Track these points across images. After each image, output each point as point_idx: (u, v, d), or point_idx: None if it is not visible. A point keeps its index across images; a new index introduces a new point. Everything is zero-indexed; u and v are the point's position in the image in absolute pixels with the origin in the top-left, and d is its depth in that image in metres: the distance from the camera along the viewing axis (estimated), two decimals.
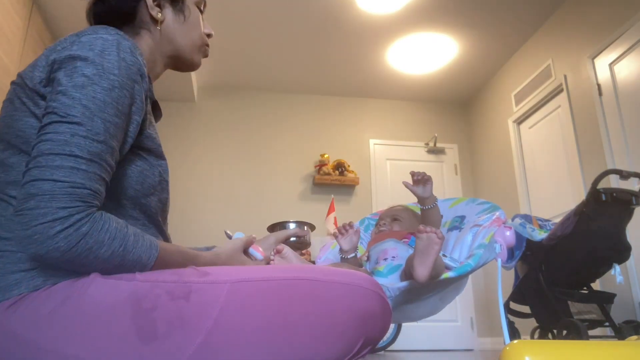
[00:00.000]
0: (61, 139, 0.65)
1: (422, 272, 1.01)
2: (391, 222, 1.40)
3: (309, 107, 5.04)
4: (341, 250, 1.28)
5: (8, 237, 0.69)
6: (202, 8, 0.99)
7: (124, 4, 0.88)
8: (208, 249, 1.06)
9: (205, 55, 1.00)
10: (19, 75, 0.76)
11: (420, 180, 1.34)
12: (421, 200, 1.33)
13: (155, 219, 0.84)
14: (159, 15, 0.89)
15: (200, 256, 0.81)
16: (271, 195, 4.61)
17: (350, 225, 1.31)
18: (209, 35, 1.00)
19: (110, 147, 0.69)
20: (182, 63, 0.97)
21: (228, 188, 4.57)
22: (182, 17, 0.93)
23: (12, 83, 0.77)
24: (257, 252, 0.96)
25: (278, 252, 1.05)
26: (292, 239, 1.14)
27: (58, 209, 0.62)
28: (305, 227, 1.18)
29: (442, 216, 1.47)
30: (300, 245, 1.17)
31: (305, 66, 4.57)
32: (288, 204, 4.59)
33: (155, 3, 0.89)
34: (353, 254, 1.28)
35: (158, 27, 0.90)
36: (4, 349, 0.64)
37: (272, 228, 1.18)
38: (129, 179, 0.77)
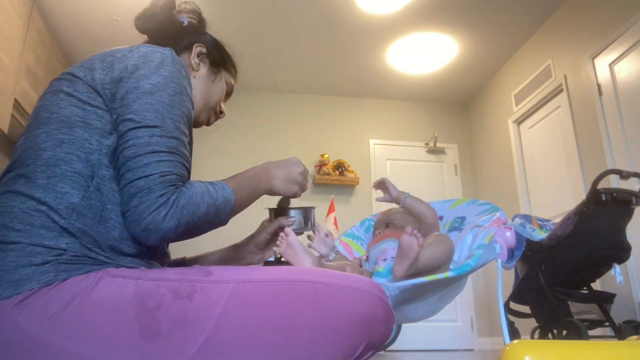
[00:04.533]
0: (142, 142, 0.74)
1: (398, 270, 1.09)
2: (384, 229, 1.41)
3: (309, 107, 5.04)
4: (320, 255, 1.28)
5: (21, 229, 0.69)
6: (228, 90, 1.11)
7: (177, 43, 0.99)
8: (177, 261, 1.06)
9: (209, 123, 1.09)
10: (68, 72, 0.82)
11: (379, 186, 1.39)
12: (394, 201, 1.35)
13: None
14: (197, 65, 1.01)
15: (246, 171, 0.93)
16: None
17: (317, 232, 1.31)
18: (221, 112, 1.11)
19: (182, 142, 0.79)
20: None
21: None
22: (212, 77, 1.04)
23: (59, 79, 0.82)
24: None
25: (286, 235, 1.04)
26: (294, 227, 1.09)
27: (158, 197, 0.71)
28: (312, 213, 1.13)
29: (442, 217, 1.48)
30: (300, 234, 1.14)
31: (305, 66, 4.57)
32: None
33: (198, 57, 1.02)
34: (333, 255, 1.29)
35: (193, 74, 1.01)
36: (12, 345, 0.64)
37: (272, 211, 1.14)
38: None
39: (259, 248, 1.11)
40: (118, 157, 0.75)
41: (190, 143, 0.89)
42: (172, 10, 1.03)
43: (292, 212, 1.10)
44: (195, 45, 1.01)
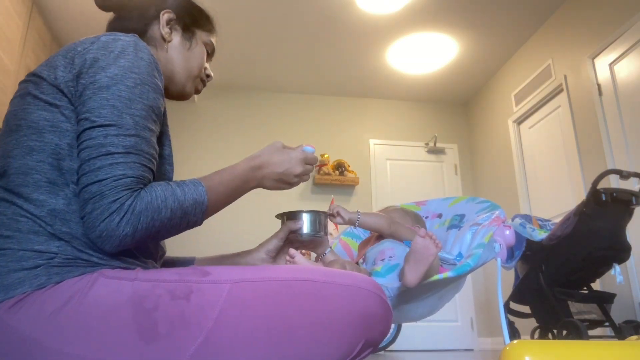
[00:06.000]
0: (96, 143, 0.70)
1: (411, 279, 0.99)
2: None
3: (309, 107, 5.04)
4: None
5: (9, 235, 0.68)
6: (209, 51, 1.03)
7: (139, 21, 0.94)
8: (187, 260, 1.05)
9: (198, 91, 1.03)
10: (33, 74, 0.78)
11: (334, 213, 1.24)
12: (349, 222, 1.25)
13: None
14: (168, 35, 0.95)
15: (236, 166, 0.86)
16: (271, 194, 4.61)
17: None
18: (208, 76, 1.04)
19: (144, 138, 0.73)
20: (174, 86, 0.98)
21: None
22: (187, 45, 0.97)
23: (25, 81, 0.78)
24: (309, 147, 0.95)
25: (290, 257, 1.00)
26: (304, 232, 1.06)
27: (110, 203, 0.67)
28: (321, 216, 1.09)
29: (441, 214, 1.47)
30: (312, 239, 1.10)
31: (305, 66, 4.57)
32: (288, 204, 4.58)
33: (168, 26, 0.95)
34: (328, 250, 1.24)
35: (165, 47, 0.94)
36: (8, 348, 0.64)
37: (282, 217, 1.11)
38: None
39: (270, 255, 1.07)
40: (77, 155, 0.72)
41: (165, 135, 0.85)
42: None
43: (302, 216, 1.06)
44: (162, 12, 0.94)
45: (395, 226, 1.27)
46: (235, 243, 4.41)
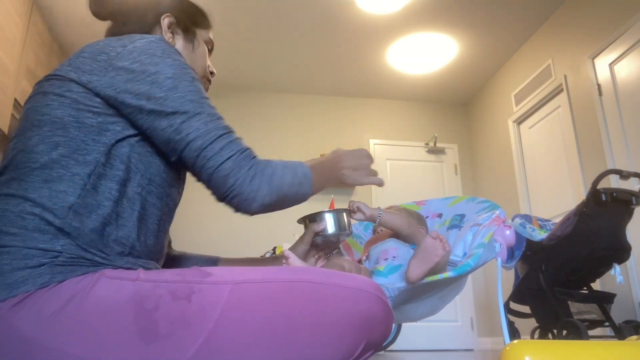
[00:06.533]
0: (203, 131, 0.77)
1: (414, 274, 1.01)
2: (385, 228, 1.39)
3: (309, 107, 5.04)
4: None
5: (15, 233, 0.68)
6: (209, 48, 1.03)
7: (139, 27, 0.93)
8: (211, 259, 1.06)
9: (205, 90, 1.03)
10: (56, 75, 0.78)
11: (353, 209, 1.23)
12: (370, 219, 1.23)
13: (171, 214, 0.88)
14: (171, 40, 0.95)
15: (323, 157, 0.96)
16: None
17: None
18: (212, 74, 1.05)
19: (222, 118, 0.82)
20: None
21: None
22: (190, 47, 0.97)
23: (46, 80, 0.79)
24: None
25: (286, 258, 0.99)
26: (329, 232, 1.05)
27: (247, 171, 0.78)
28: (344, 215, 1.07)
29: (441, 214, 1.47)
30: (338, 239, 1.09)
31: (305, 66, 4.57)
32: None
33: (169, 30, 0.95)
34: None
35: None
36: (9, 347, 0.64)
37: (304, 220, 1.10)
38: (158, 164, 0.81)
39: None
40: (178, 151, 0.77)
41: None
42: None
43: (324, 217, 1.05)
44: (162, 17, 0.94)
45: (413, 228, 1.26)
46: (236, 243, 4.41)
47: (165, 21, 0.94)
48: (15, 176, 0.73)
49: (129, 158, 0.76)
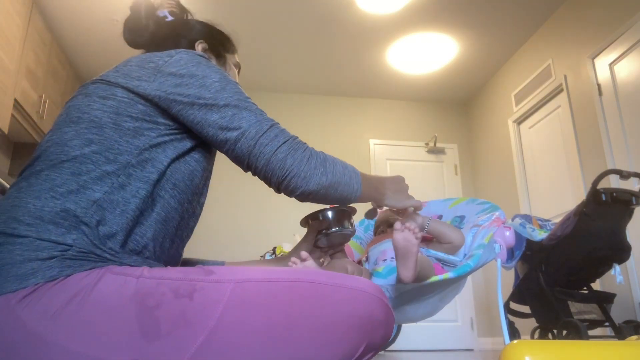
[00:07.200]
0: (255, 120, 0.82)
1: (405, 275, 0.98)
2: (387, 228, 1.40)
3: (309, 107, 5.04)
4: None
5: (30, 223, 0.69)
6: (237, 72, 1.11)
7: (177, 47, 0.96)
8: (217, 264, 1.07)
9: None
10: (102, 79, 0.83)
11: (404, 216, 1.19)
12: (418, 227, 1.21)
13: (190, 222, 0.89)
14: None
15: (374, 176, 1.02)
16: (272, 194, 4.61)
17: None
18: None
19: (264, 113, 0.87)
20: None
21: (228, 188, 4.58)
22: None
23: (93, 83, 0.83)
24: None
25: (303, 260, 0.99)
26: (332, 229, 1.05)
27: (303, 152, 0.83)
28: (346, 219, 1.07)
29: (441, 215, 1.47)
30: (341, 237, 1.09)
31: (305, 66, 4.57)
32: (288, 204, 4.59)
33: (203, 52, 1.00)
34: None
35: None
36: (12, 340, 0.64)
37: (306, 220, 1.09)
38: (185, 171, 0.83)
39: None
40: (225, 142, 0.81)
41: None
42: (155, 12, 1.00)
43: (326, 215, 1.05)
44: (197, 43, 1.00)
45: (460, 244, 1.22)
46: (235, 243, 4.41)
47: (199, 47, 1.00)
48: (44, 167, 0.75)
49: (160, 162, 0.79)
